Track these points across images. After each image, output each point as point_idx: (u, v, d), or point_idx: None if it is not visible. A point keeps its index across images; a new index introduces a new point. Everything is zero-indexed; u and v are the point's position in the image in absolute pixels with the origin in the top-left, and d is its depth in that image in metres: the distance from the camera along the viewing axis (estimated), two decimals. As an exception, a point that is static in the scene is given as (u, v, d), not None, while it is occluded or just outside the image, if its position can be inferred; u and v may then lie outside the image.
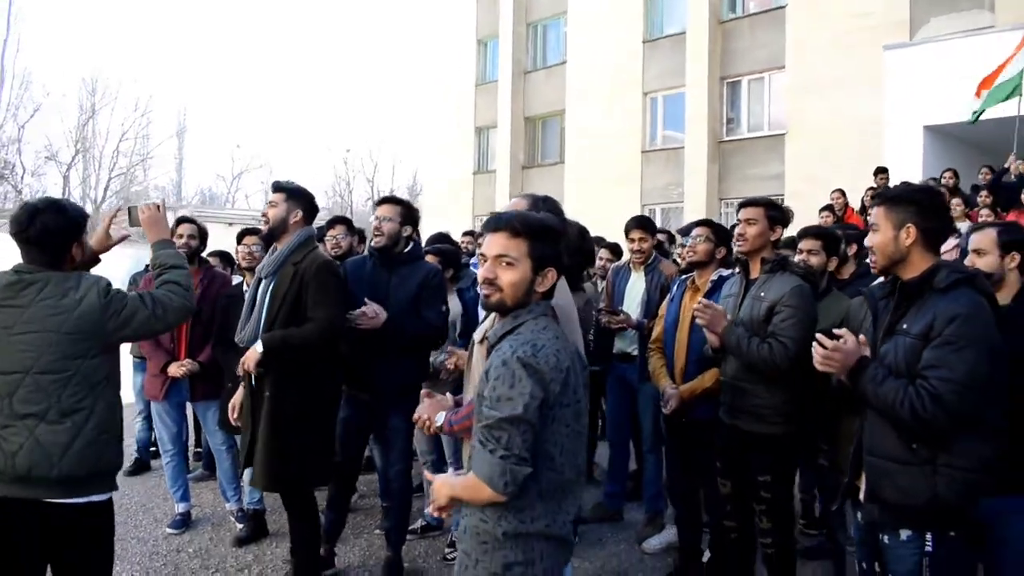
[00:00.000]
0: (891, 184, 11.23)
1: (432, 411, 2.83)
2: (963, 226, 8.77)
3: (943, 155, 12.97)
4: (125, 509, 5.86)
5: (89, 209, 42.11)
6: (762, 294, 3.69)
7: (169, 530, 5.52)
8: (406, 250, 4.61)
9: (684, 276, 4.63)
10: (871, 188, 11.03)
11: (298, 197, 4.31)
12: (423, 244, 5.74)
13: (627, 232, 5.30)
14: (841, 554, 4.32)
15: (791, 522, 3.77)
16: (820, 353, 2.76)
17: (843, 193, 11.08)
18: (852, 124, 15.72)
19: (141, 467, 6.91)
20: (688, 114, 19.63)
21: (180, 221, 5.68)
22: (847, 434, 3.02)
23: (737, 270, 4.02)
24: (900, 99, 12.60)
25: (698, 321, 3.77)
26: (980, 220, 8.57)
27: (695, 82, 19.39)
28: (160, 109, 75.28)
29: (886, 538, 2.77)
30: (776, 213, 3.83)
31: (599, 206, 19.17)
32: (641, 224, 5.33)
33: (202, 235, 5.68)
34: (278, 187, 4.36)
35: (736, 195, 19.01)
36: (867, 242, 2.91)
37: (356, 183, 52.43)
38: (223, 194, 54.24)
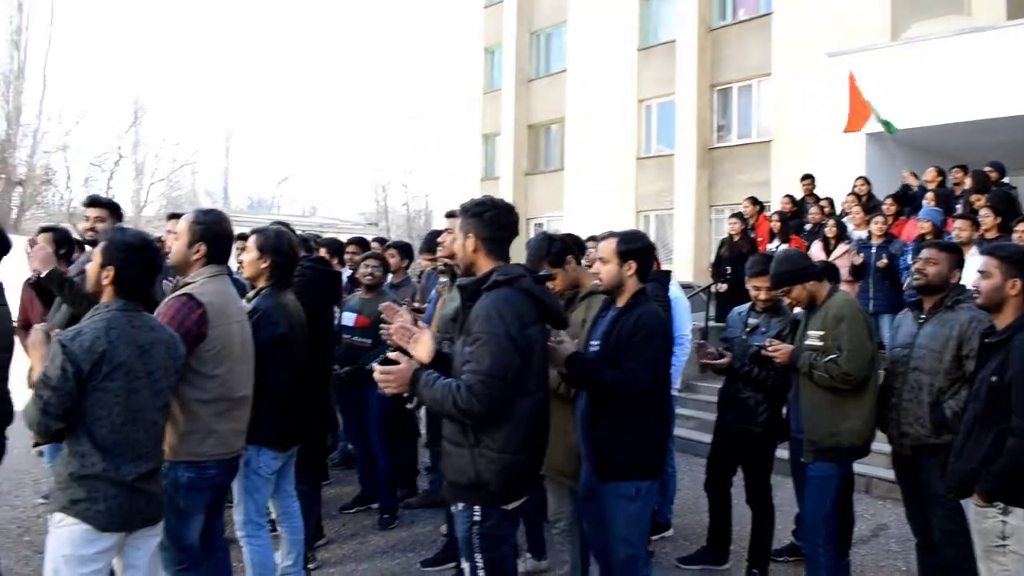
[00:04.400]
0: (816, 191, 11.43)
1: None
2: (859, 234, 8.97)
3: (887, 161, 13.06)
4: (9, 480, 6.53)
5: (131, 213, 43.90)
6: (454, 296, 4.10)
7: (39, 500, 6.15)
8: None
9: (440, 282, 5.08)
10: (787, 196, 11.22)
11: (118, 212, 4.98)
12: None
13: (420, 253, 5.86)
14: None
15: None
16: (376, 378, 3.10)
17: (755, 201, 11.27)
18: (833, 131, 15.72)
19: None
20: (678, 121, 19.82)
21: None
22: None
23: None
24: (841, 106, 12.65)
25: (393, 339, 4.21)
26: (876, 227, 8.71)
27: (685, 89, 19.58)
28: (206, 115, 77.95)
29: (452, 508, 3.19)
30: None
31: (596, 213, 19.54)
32: (428, 248, 5.95)
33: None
34: (99, 202, 5.00)
35: (725, 202, 19.14)
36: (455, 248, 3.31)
37: (391, 188, 53.35)
38: (269, 199, 55.83)
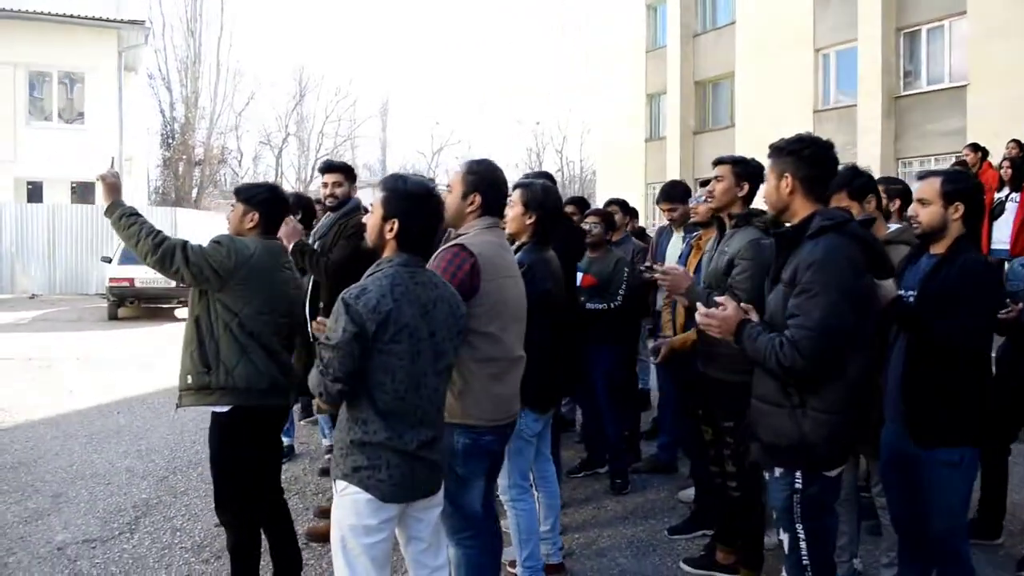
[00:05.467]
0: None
1: None
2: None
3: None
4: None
5: (300, 189, 45.84)
6: (726, 248, 3.83)
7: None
8: None
9: (692, 234, 4.78)
10: (1013, 140, 10.20)
11: (352, 174, 4.97)
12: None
13: (657, 203, 5.53)
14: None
15: (755, 466, 3.89)
16: (698, 320, 2.93)
17: (976, 148, 10.33)
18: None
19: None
20: (861, 69, 18.67)
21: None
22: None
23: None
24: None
25: (662, 286, 3.97)
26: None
27: (868, 35, 18.40)
28: (363, 92, 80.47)
29: (766, 474, 2.93)
30: (743, 168, 3.93)
31: (770, 169, 18.63)
32: (668, 197, 5.55)
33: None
34: (335, 167, 5.00)
35: (914, 154, 17.95)
36: (760, 194, 3.04)
37: (546, 155, 53.39)
38: (424, 170, 56.96)
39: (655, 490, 5.64)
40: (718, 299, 2.96)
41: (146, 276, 15.54)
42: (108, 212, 3.58)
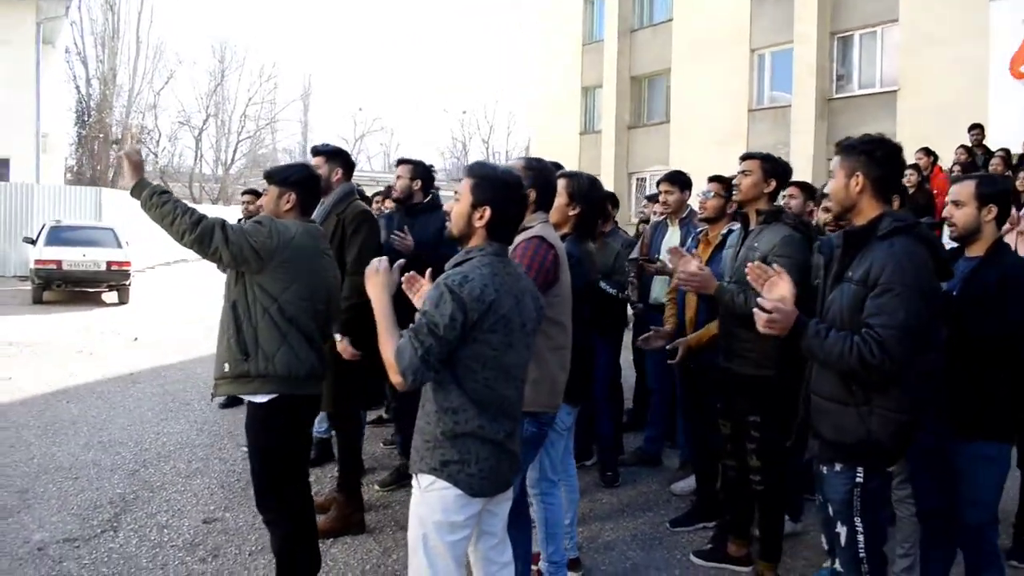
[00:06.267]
0: (986, 141, 10.85)
1: None
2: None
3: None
4: (214, 434, 6.65)
5: (219, 172, 44.61)
6: (755, 244, 3.85)
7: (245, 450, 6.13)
8: (425, 200, 5.32)
9: (700, 229, 4.81)
10: (962, 146, 10.62)
11: (336, 158, 4.80)
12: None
13: (658, 184, 5.52)
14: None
15: (781, 461, 3.95)
16: (762, 319, 2.85)
17: (928, 152, 10.72)
18: (969, 79, 14.99)
19: (234, 401, 7.19)
20: (796, 71, 19.11)
21: None
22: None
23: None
24: (1005, 53, 11.95)
25: (686, 288, 4.01)
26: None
27: (803, 37, 18.84)
28: (285, 75, 78.82)
29: (824, 469, 2.95)
30: (771, 165, 3.96)
31: (704, 166, 18.87)
32: (669, 178, 5.51)
33: None
34: (317, 151, 4.84)
35: (845, 154, 18.43)
36: (826, 189, 3.07)
37: (472, 144, 53.29)
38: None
39: (645, 483, 5.67)
40: (772, 287, 2.93)
41: (74, 258, 14.91)
42: (135, 191, 3.41)
